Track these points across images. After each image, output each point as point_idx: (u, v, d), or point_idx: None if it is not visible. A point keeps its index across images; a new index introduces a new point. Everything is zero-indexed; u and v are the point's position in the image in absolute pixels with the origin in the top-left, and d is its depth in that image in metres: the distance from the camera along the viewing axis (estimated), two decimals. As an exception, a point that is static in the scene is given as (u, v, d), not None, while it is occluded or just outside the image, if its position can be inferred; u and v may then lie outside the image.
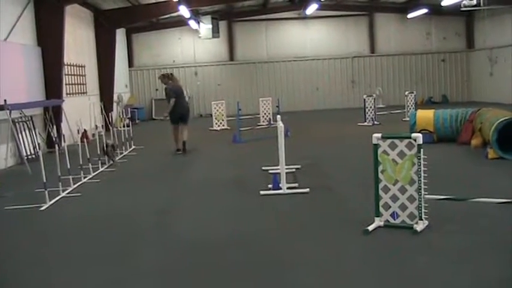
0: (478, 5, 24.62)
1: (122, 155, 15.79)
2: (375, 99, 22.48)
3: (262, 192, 9.79)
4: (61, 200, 10.28)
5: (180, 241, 7.33)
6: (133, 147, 17.51)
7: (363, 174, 10.04)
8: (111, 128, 17.27)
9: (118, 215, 9.03)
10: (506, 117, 12.31)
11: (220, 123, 23.19)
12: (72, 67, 21.48)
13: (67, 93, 20.34)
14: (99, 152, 13.89)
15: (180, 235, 7.64)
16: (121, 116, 21.06)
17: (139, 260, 6.65)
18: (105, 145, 14.16)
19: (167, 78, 15.89)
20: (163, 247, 7.12)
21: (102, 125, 18.01)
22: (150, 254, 6.83)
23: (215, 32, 29.31)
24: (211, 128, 22.83)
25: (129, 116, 20.18)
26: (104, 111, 21.51)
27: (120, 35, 29.40)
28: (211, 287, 5.75)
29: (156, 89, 32.42)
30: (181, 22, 29.75)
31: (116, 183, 12.08)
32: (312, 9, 28.80)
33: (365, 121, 21.76)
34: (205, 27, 28.86)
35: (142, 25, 31.20)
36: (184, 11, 24.43)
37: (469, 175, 11.11)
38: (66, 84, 20.15)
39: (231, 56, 33.02)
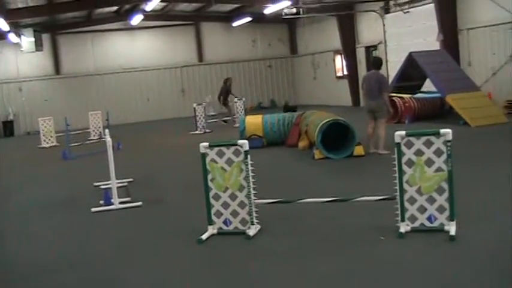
0: (298, 13, 25.76)
1: None
2: (205, 107, 22.74)
3: (93, 209, 9.51)
4: None
5: (10, 265, 6.95)
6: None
7: (195, 183, 10.04)
8: None
9: None
10: (329, 119, 12.95)
11: (49, 139, 22.28)
12: None
13: None
14: None
15: (9, 259, 7.23)
16: None
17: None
18: None
19: None
20: (-13, 276, 6.70)
21: None
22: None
23: (38, 45, 28.03)
24: (40, 146, 21.87)
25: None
26: None
27: None
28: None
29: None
30: (0, 35, 28.21)
31: None
32: (137, 19, 28.52)
33: (196, 129, 21.91)
34: (27, 40, 27.54)
35: (-43, 40, 29.25)
36: (2, 24, 23.21)
37: (298, 176, 11.57)
38: None
39: (57, 69, 31.81)
